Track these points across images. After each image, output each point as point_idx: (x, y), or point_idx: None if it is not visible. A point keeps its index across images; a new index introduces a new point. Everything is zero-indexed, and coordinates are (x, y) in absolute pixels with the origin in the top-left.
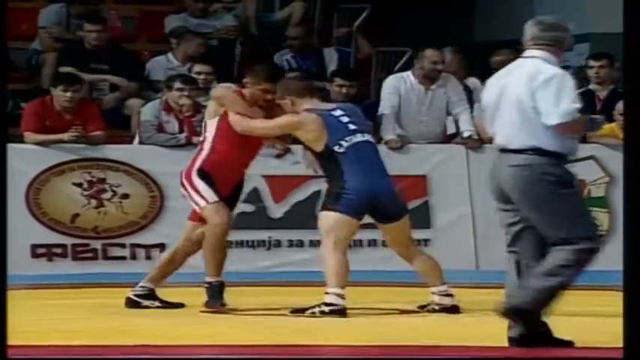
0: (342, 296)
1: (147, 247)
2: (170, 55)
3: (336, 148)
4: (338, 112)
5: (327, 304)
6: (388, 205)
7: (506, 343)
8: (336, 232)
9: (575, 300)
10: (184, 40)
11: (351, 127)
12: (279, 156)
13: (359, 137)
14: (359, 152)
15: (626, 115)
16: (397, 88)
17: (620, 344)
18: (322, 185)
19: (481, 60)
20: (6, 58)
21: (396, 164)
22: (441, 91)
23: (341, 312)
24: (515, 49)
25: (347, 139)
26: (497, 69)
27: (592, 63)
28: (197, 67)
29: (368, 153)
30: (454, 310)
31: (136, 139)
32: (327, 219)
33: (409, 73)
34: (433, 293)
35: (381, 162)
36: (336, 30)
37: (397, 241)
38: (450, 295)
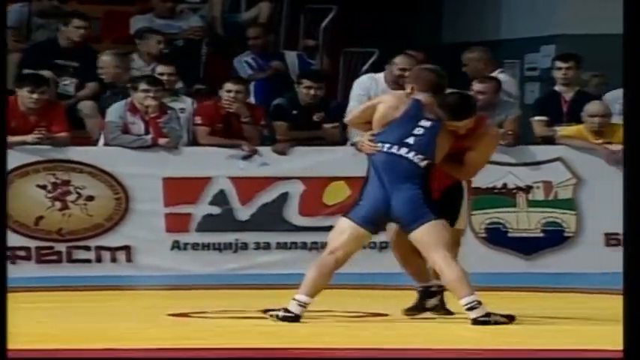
0: (304, 305)
1: (112, 250)
2: (135, 56)
3: (379, 144)
4: (427, 124)
5: (286, 310)
6: (400, 214)
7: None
8: (336, 239)
9: (543, 303)
10: (144, 40)
11: (409, 140)
12: (246, 157)
13: (402, 151)
14: (386, 163)
15: (625, 115)
16: (367, 88)
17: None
18: (289, 187)
19: (448, 61)
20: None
21: (363, 167)
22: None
23: (292, 319)
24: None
25: (390, 145)
26: (470, 68)
27: (559, 64)
28: (159, 68)
29: (393, 166)
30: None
31: (101, 141)
32: (337, 223)
33: (381, 75)
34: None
35: (409, 181)
36: (302, 41)
37: (419, 249)
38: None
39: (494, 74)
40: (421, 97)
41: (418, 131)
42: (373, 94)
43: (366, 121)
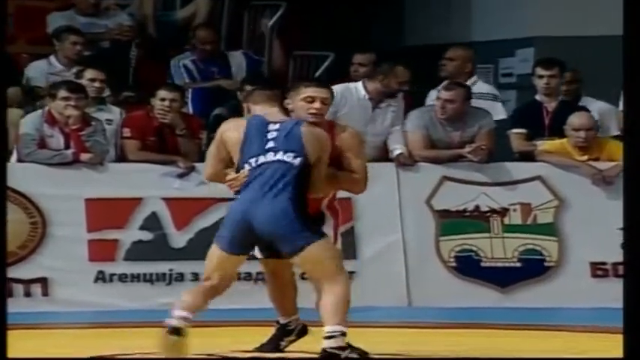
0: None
1: (26, 282)
2: (53, 59)
3: (245, 166)
4: (275, 127)
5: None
6: (270, 237)
7: None
8: (207, 264)
9: (522, 341)
10: (62, 41)
11: (269, 144)
12: (181, 175)
13: (269, 157)
14: (257, 175)
15: (626, 115)
16: (339, 100)
17: None
18: None
19: (412, 64)
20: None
21: None
22: (390, 109)
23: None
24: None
25: (256, 159)
26: (452, 66)
27: (541, 72)
28: (88, 73)
29: (266, 176)
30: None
31: (14, 156)
32: (210, 249)
33: (358, 84)
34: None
35: (279, 185)
36: (246, 33)
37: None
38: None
39: (469, 81)
40: (259, 110)
41: (272, 135)
42: (348, 106)
43: (223, 162)
